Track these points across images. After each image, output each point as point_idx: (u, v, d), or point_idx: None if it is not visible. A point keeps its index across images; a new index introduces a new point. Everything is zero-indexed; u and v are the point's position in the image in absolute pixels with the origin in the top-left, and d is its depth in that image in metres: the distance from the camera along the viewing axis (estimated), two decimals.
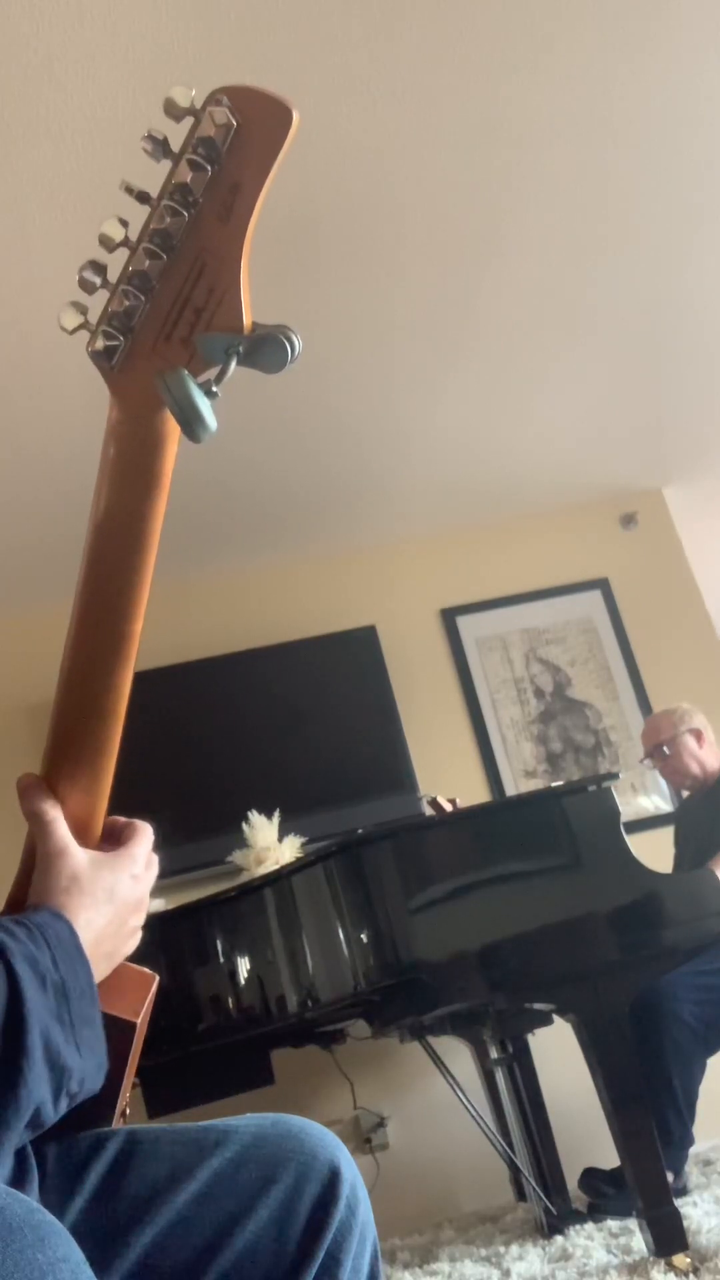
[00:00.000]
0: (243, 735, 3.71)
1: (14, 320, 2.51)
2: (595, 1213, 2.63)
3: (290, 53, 2.04)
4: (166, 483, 0.77)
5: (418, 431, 3.47)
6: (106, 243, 0.70)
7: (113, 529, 0.77)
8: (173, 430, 0.75)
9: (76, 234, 2.27)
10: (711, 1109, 2.76)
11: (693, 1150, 2.73)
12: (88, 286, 0.71)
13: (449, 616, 4.08)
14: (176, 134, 0.69)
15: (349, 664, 3.86)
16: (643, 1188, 2.11)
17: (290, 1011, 2.36)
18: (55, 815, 0.82)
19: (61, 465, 3.06)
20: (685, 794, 3.40)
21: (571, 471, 4.01)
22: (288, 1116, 0.91)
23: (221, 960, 2.49)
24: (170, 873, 3.56)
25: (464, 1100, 2.73)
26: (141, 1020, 0.88)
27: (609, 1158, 2.38)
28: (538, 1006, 2.49)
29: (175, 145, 0.69)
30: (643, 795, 3.89)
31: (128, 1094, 0.94)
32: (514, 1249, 2.49)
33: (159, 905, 2.69)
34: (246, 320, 0.70)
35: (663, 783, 3.76)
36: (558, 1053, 2.85)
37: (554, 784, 3.08)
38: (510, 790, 3.85)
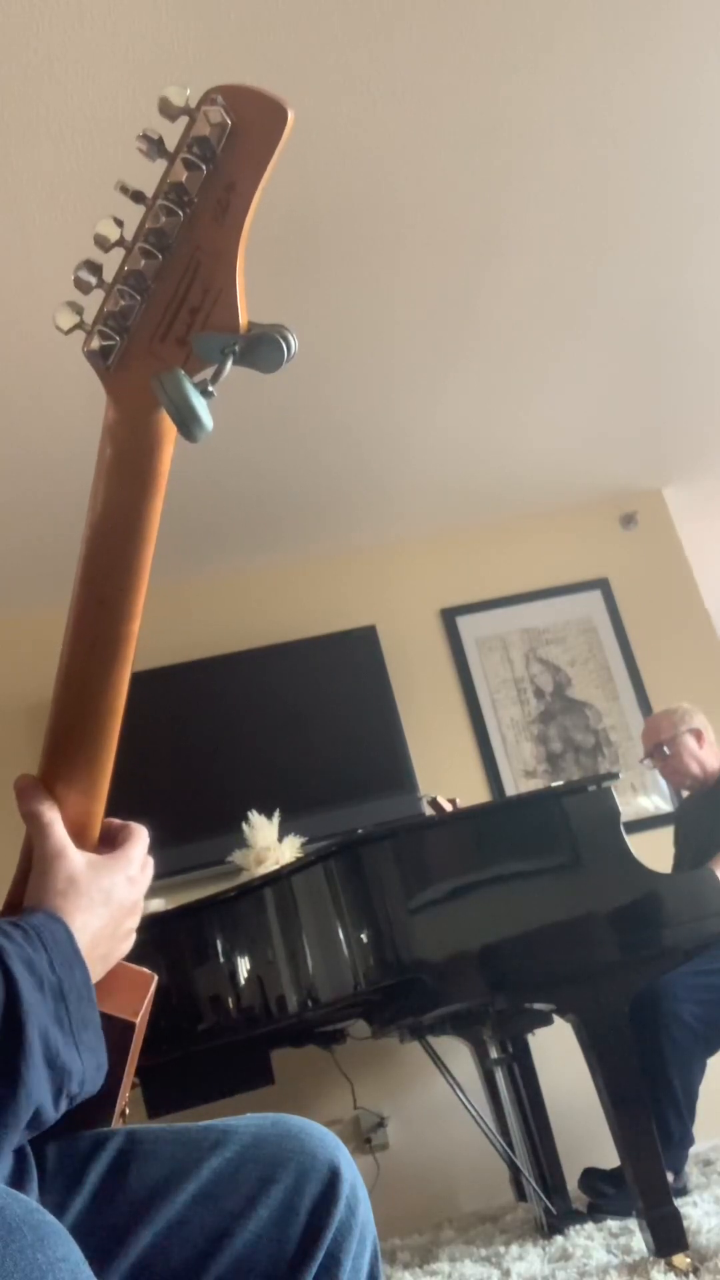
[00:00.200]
0: (243, 735, 3.71)
1: (14, 320, 2.52)
2: (595, 1213, 2.63)
3: (290, 53, 2.04)
4: (163, 482, 0.77)
5: (418, 431, 3.47)
6: (102, 242, 0.70)
7: (110, 529, 0.77)
8: (169, 430, 0.75)
9: (76, 234, 2.27)
10: (711, 1109, 2.76)
11: (693, 1150, 2.73)
12: (83, 286, 0.71)
13: (449, 616, 4.08)
14: (172, 133, 0.69)
15: (349, 664, 3.86)
16: (643, 1188, 2.11)
17: (290, 1011, 2.36)
18: (53, 817, 0.82)
19: (62, 465, 3.06)
20: (685, 794, 3.40)
21: (571, 471, 4.01)
22: (287, 1116, 0.91)
23: (221, 960, 2.49)
24: (170, 873, 3.60)
25: (464, 1100, 2.73)
26: (140, 1020, 0.88)
27: (609, 1158, 2.38)
28: (538, 1006, 2.49)
29: (170, 144, 0.69)
30: (643, 795, 3.89)
31: (127, 1094, 0.94)
32: (514, 1249, 2.49)
33: (159, 905, 2.69)
34: (242, 319, 0.70)
35: (663, 783, 3.76)
36: (558, 1053, 2.85)
37: (554, 784, 3.08)
38: (510, 790, 3.85)
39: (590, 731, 3.98)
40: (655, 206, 2.70)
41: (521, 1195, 3.09)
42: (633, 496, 4.28)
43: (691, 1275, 2.02)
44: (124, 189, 0.70)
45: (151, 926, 2.51)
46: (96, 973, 0.80)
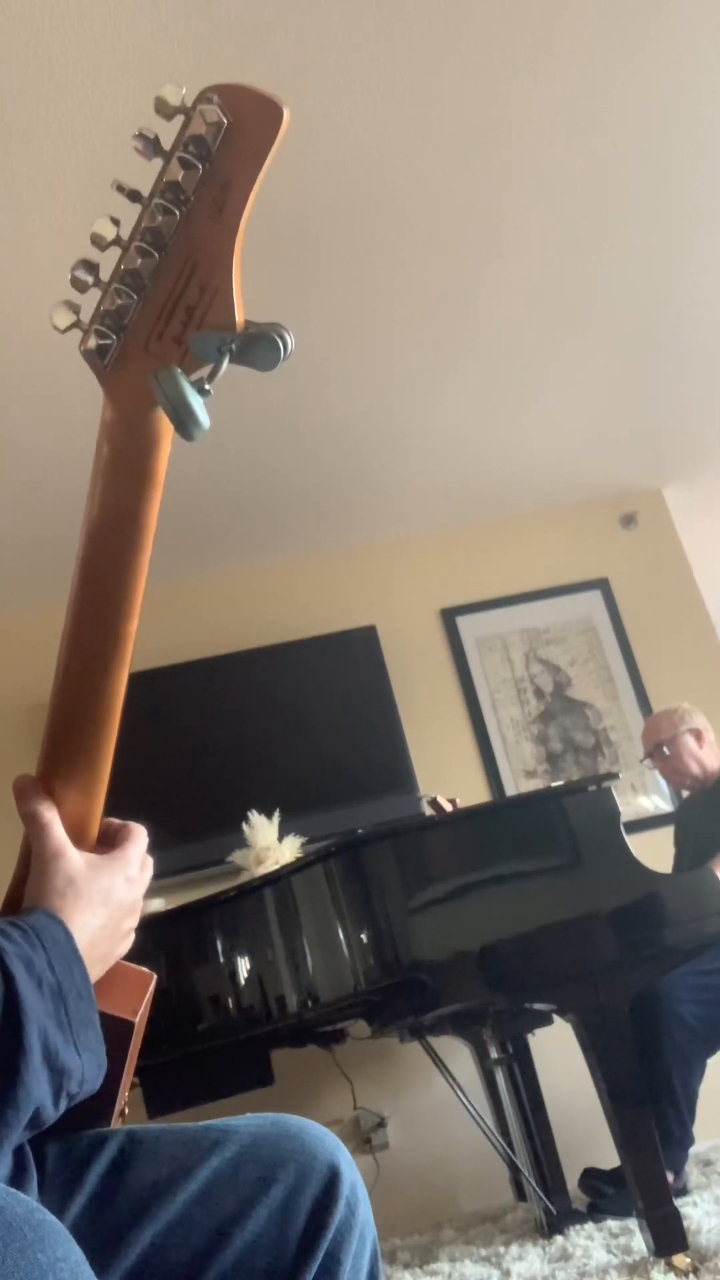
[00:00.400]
0: (243, 735, 3.71)
1: (14, 320, 2.52)
2: (595, 1213, 2.63)
3: (291, 53, 2.04)
4: (161, 481, 0.77)
5: (418, 431, 3.47)
6: (99, 241, 0.70)
7: (107, 528, 0.77)
8: (166, 429, 0.75)
9: (76, 234, 2.27)
10: (711, 1109, 2.76)
11: (693, 1150, 2.73)
12: (80, 285, 0.71)
13: (449, 616, 4.08)
14: (168, 132, 0.69)
15: (349, 664, 3.86)
16: (643, 1188, 2.11)
17: (290, 1011, 2.36)
18: (51, 817, 0.82)
19: (63, 464, 3.05)
20: (685, 794, 3.40)
21: (571, 471, 4.01)
22: (287, 1116, 0.91)
23: (221, 960, 2.49)
24: (170, 873, 3.59)
25: (464, 1100, 2.73)
26: (140, 1019, 0.88)
27: (609, 1158, 2.38)
28: (538, 1006, 2.49)
29: (167, 144, 0.69)
30: (643, 795, 3.89)
31: (127, 1093, 0.94)
32: (514, 1249, 2.49)
33: (159, 905, 2.69)
34: (239, 318, 0.70)
35: (663, 783, 3.76)
36: (558, 1053, 2.85)
37: (554, 784, 3.08)
38: (510, 790, 3.85)
39: (590, 731, 3.98)
40: (655, 206, 2.70)
41: (521, 1195, 3.09)
42: (633, 496, 4.28)
43: (691, 1275, 2.02)
44: (120, 188, 0.70)
45: (151, 926, 2.52)
46: (95, 973, 0.80)
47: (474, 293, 2.86)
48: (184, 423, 0.69)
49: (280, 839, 3.07)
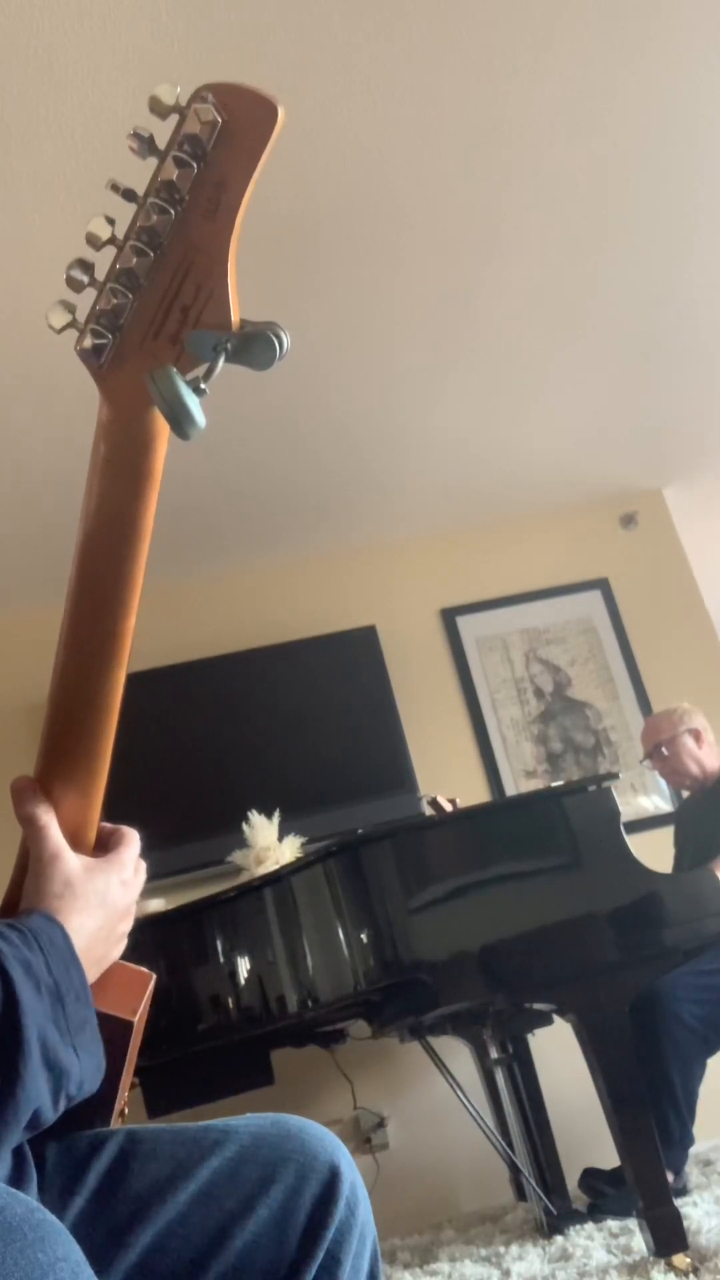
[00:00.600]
0: (243, 735, 3.71)
1: (14, 319, 2.52)
2: (595, 1213, 2.63)
3: (291, 53, 2.04)
4: (158, 480, 0.77)
5: (418, 431, 3.47)
6: (94, 241, 0.70)
7: (105, 527, 0.77)
8: (162, 428, 0.75)
9: (76, 233, 2.27)
10: (711, 1109, 2.76)
11: (693, 1150, 2.73)
12: (75, 285, 0.71)
13: (449, 616, 4.08)
14: (163, 131, 0.69)
15: (349, 664, 3.86)
16: (643, 1188, 2.11)
17: (290, 1011, 2.36)
18: (49, 820, 0.82)
19: (61, 464, 3.05)
20: (685, 794, 3.40)
21: (571, 471, 4.01)
22: (287, 1116, 0.91)
23: (221, 960, 2.49)
24: (170, 873, 3.59)
25: (464, 1100, 2.73)
26: (139, 1019, 0.88)
27: (609, 1158, 2.38)
28: (538, 1006, 2.49)
29: (161, 142, 0.69)
30: (643, 795, 3.89)
31: (126, 1093, 0.94)
32: (514, 1249, 2.49)
33: (159, 905, 2.69)
34: (235, 317, 0.70)
35: (663, 783, 3.76)
36: (558, 1053, 2.85)
37: (554, 784, 3.08)
38: (510, 790, 3.85)
39: (590, 731, 3.98)
40: (655, 206, 2.70)
41: (521, 1195, 3.09)
42: (633, 496, 4.28)
43: (691, 1275, 2.02)
44: (115, 187, 0.70)
45: (152, 927, 2.52)
46: (91, 975, 0.80)
47: (474, 293, 2.86)
48: (180, 422, 0.69)
49: (280, 839, 3.07)
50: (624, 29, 2.17)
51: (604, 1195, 2.66)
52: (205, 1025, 2.48)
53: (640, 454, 4.01)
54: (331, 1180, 0.85)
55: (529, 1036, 2.93)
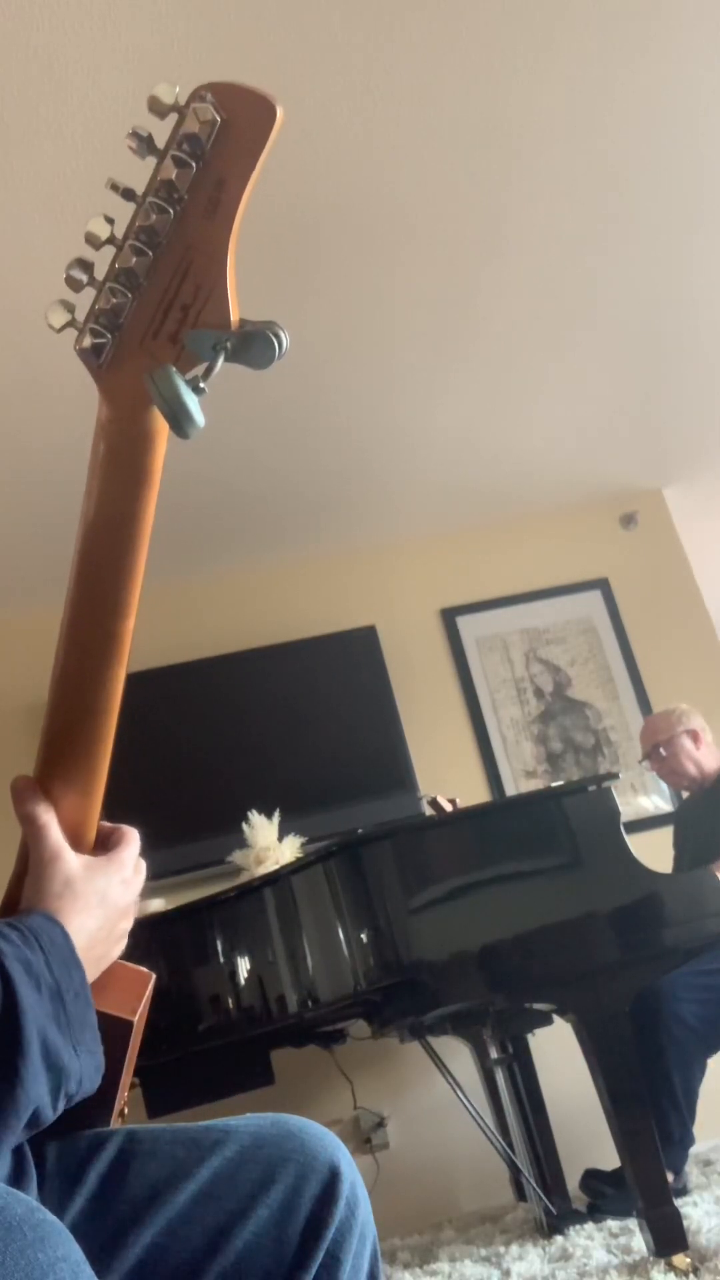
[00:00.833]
0: (243, 735, 3.71)
1: (14, 319, 2.52)
2: (595, 1213, 2.63)
3: (291, 53, 2.04)
4: (157, 480, 0.77)
5: (418, 431, 3.47)
6: (93, 240, 0.70)
7: (103, 526, 0.77)
8: (162, 427, 0.75)
9: (76, 233, 2.27)
10: (711, 1109, 2.76)
11: (693, 1150, 2.73)
12: (75, 285, 0.71)
13: (449, 616, 4.08)
14: (162, 131, 0.69)
15: (349, 664, 3.86)
16: (643, 1188, 2.11)
17: (290, 1011, 2.36)
18: (49, 820, 0.82)
19: (61, 463, 3.05)
20: (685, 794, 3.40)
21: (571, 471, 4.01)
22: (287, 1116, 0.91)
23: (221, 960, 2.49)
24: (170, 873, 3.58)
25: (464, 1100, 2.73)
26: (139, 1019, 0.88)
27: (609, 1158, 2.38)
28: (538, 1006, 2.49)
29: (160, 142, 0.69)
30: (643, 795, 3.89)
31: (126, 1093, 0.94)
32: (514, 1249, 2.49)
33: (159, 905, 2.69)
34: (234, 316, 0.70)
35: (662, 783, 3.76)
36: (558, 1053, 2.85)
37: (554, 784, 3.08)
38: (510, 790, 3.85)
39: (590, 731, 3.98)
40: (655, 206, 2.70)
41: (521, 1195, 3.09)
42: (633, 496, 4.28)
43: (691, 1275, 2.02)
44: (114, 186, 0.70)
45: (151, 926, 2.52)
46: (91, 975, 0.80)
47: (474, 293, 2.86)
48: (179, 421, 0.69)
49: (280, 839, 3.07)
50: (624, 29, 2.17)
51: (604, 1195, 2.66)
52: (205, 1025, 2.48)
53: (640, 454, 4.01)
54: (331, 1180, 0.85)
55: (529, 1036, 2.93)
